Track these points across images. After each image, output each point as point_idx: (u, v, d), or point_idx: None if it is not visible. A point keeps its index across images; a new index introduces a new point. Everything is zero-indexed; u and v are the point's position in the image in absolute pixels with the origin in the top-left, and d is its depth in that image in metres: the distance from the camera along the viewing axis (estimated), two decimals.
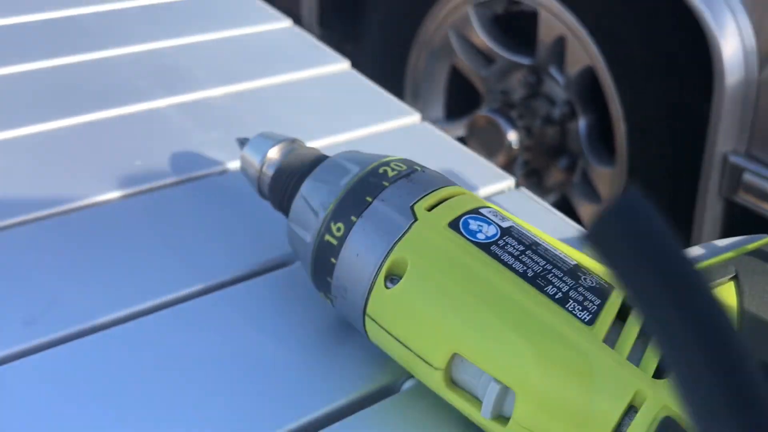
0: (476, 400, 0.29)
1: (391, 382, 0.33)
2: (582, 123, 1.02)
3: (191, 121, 0.49)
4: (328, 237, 0.31)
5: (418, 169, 0.32)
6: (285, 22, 0.62)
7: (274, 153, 0.36)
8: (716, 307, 0.14)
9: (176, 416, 0.31)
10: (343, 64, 0.57)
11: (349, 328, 0.35)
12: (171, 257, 0.38)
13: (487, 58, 1.12)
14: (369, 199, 0.31)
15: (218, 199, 0.43)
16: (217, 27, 0.60)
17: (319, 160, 0.35)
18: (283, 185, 0.35)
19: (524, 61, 1.05)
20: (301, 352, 0.34)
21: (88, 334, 0.34)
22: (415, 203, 0.30)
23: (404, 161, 0.33)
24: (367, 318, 0.31)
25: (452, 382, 0.29)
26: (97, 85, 0.52)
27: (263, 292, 0.37)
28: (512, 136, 1.06)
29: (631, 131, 0.93)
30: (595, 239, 0.15)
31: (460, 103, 1.24)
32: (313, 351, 0.34)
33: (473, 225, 0.30)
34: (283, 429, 0.31)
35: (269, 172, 0.36)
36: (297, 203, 0.33)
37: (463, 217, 0.30)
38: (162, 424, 0.30)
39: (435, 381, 0.30)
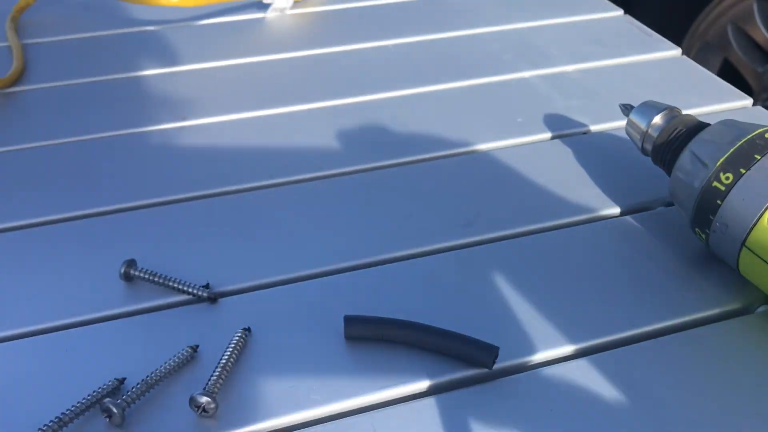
0: None
1: (746, 306, 0.42)
2: None
3: (553, 90, 0.60)
4: (716, 183, 0.41)
5: None
6: (618, 12, 0.72)
7: (658, 119, 0.46)
8: None
9: (569, 309, 0.42)
10: (675, 51, 0.66)
11: (711, 261, 0.44)
12: (561, 193, 0.49)
13: (765, 54, 1.13)
14: (757, 156, 0.40)
15: (586, 153, 0.53)
16: (563, 13, 0.71)
17: (701, 124, 0.44)
18: (669, 144, 0.45)
19: None
20: (672, 271, 0.44)
21: (503, 240, 0.46)
22: None
23: None
24: (744, 249, 0.40)
25: None
26: (471, 57, 0.65)
27: (635, 226, 0.47)
28: None
29: None
30: None
31: None
32: (682, 272, 0.44)
33: None
34: (660, 325, 0.41)
35: (654, 133, 0.46)
36: (684, 157, 0.43)
37: None
38: (563, 313, 0.41)
39: None
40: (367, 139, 0.54)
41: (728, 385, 0.37)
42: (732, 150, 0.41)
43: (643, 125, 0.47)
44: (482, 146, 0.54)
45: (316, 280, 0.42)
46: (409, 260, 0.44)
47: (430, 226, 0.46)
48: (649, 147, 0.47)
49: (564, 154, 0.53)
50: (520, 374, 0.37)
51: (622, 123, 0.56)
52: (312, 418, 0.35)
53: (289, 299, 0.41)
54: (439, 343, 0.37)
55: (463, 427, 0.35)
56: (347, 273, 0.43)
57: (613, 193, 0.49)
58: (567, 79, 0.62)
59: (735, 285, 0.43)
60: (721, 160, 0.41)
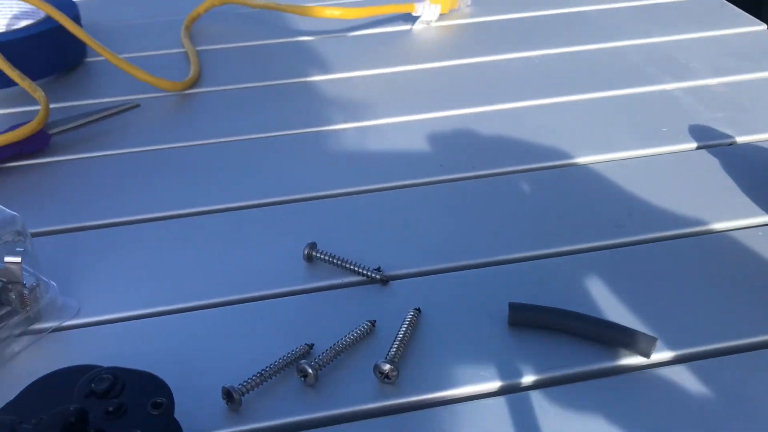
0: None
1: None
2: None
3: (696, 102, 0.62)
4: None
5: None
6: (761, 26, 0.72)
7: None
8: None
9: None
10: None
11: None
12: (709, 199, 0.51)
13: None
14: None
15: (733, 164, 0.55)
16: (704, 27, 0.72)
17: None
18: None
19: None
20: None
21: (654, 242, 0.48)
22: None
23: None
24: None
25: None
26: (613, 70, 0.67)
27: None
28: None
29: None
30: None
31: None
32: None
33: None
34: None
35: None
36: None
37: None
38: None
39: None
40: (517, 143, 0.58)
41: None
42: None
43: None
44: (628, 153, 0.56)
45: (479, 270, 0.46)
46: (565, 256, 0.47)
47: (584, 226, 0.49)
48: None
49: (710, 163, 0.55)
50: (678, 365, 0.39)
51: None
52: (482, 392, 0.39)
53: (455, 286, 0.45)
54: (602, 332, 0.40)
55: (624, 408, 0.37)
56: (507, 265, 0.46)
57: (763, 202, 0.51)
58: (710, 92, 0.63)
59: None
60: None
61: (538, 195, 0.52)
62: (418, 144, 0.58)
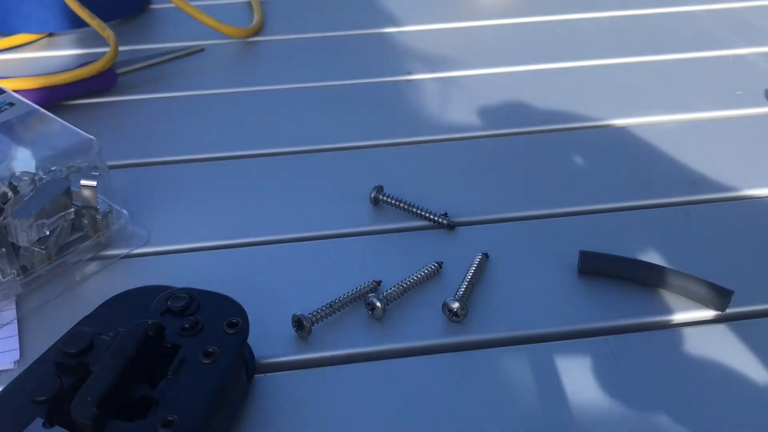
0: None
1: None
2: None
3: None
4: None
5: None
6: None
7: None
8: None
9: None
10: None
11: None
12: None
13: None
14: None
15: None
16: None
17: None
18: None
19: None
20: None
21: (731, 201, 0.47)
22: None
23: None
24: None
25: None
26: (685, 33, 0.65)
27: None
28: None
29: None
30: None
31: None
32: None
33: None
34: None
35: None
36: None
37: None
38: None
39: None
40: (586, 100, 0.57)
41: None
42: None
43: None
44: (701, 115, 0.55)
45: (547, 220, 0.45)
46: (636, 210, 0.46)
47: (656, 183, 0.48)
48: None
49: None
50: (752, 320, 0.38)
51: None
52: (548, 334, 0.38)
53: (522, 234, 0.44)
54: (675, 282, 0.39)
55: (696, 360, 0.36)
56: (576, 216, 0.45)
57: None
58: None
59: None
60: None
61: (609, 151, 0.51)
62: (485, 97, 0.57)
